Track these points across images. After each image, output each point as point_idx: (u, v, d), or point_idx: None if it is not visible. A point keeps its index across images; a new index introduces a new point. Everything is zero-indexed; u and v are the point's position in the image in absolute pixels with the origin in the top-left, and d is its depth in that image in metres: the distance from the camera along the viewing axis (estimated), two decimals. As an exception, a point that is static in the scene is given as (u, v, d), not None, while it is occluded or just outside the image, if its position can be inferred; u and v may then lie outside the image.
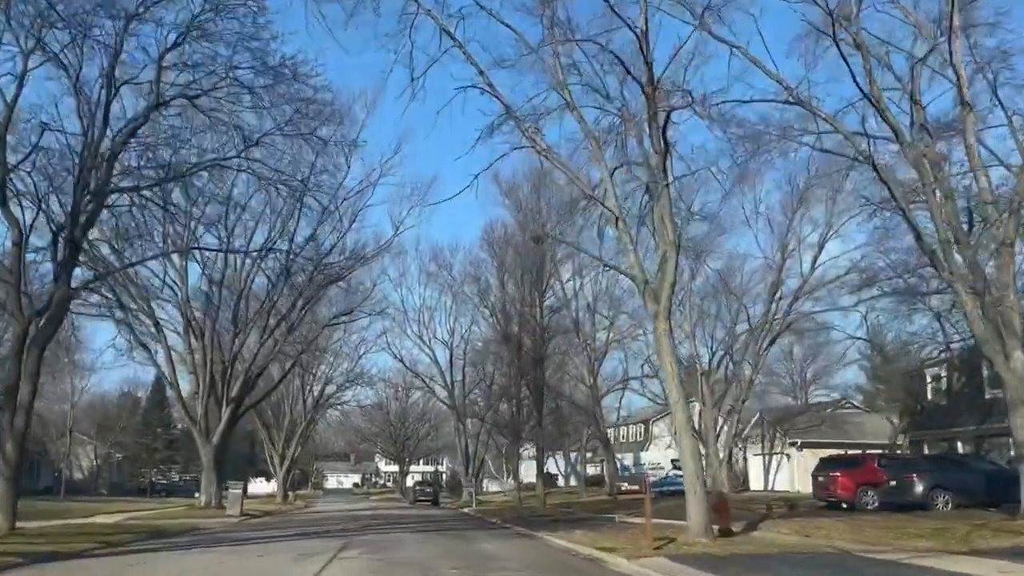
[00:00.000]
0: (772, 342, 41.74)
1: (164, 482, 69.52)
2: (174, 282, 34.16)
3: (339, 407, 67.52)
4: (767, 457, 48.28)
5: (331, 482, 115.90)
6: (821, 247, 41.19)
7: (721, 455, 42.69)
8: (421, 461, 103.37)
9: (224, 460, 35.67)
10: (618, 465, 51.50)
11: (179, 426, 79.78)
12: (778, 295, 41.08)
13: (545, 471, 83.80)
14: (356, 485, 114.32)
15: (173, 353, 35.49)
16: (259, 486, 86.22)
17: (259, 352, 35.30)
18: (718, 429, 57.83)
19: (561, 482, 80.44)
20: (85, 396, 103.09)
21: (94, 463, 71.37)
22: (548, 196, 32.48)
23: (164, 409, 71.55)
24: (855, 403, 55.32)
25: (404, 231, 36.52)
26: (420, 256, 54.83)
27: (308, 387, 56.95)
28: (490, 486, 74.67)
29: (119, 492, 69.40)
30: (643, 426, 68.30)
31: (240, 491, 32.43)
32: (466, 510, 41.53)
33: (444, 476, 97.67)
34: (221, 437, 34.28)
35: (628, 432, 71.30)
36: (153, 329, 33.09)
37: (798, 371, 64.95)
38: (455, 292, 51.51)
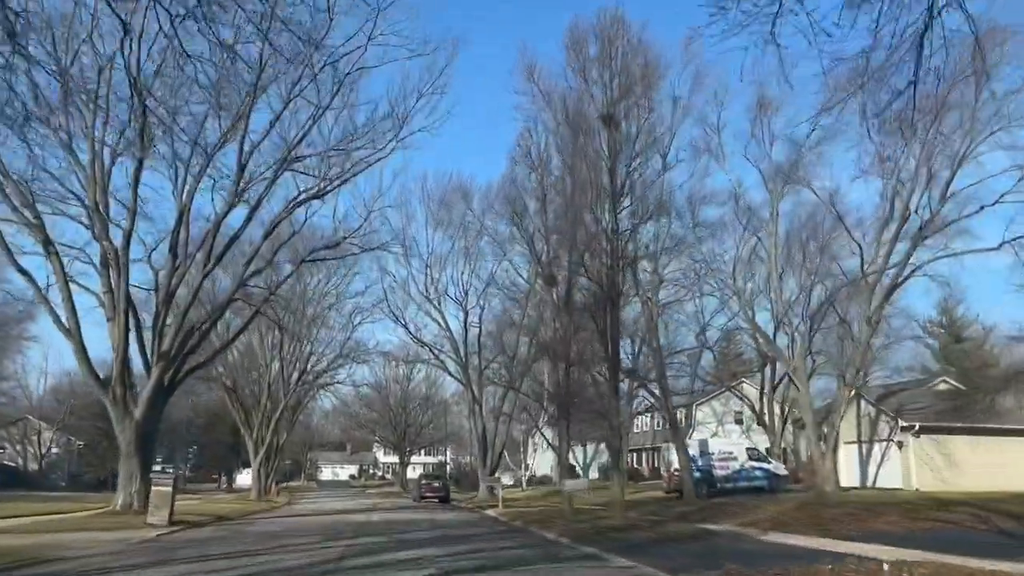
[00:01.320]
0: (891, 292, 30.30)
1: (130, 473, 57.63)
2: (83, 187, 22.62)
3: (330, 387, 55.94)
4: (864, 446, 37.00)
5: (326, 473, 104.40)
6: (955, 171, 30.01)
7: (824, 444, 31.41)
8: (423, 451, 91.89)
9: (153, 442, 24.22)
10: (665, 458, 40.17)
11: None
12: (904, 229, 29.85)
13: (566, 463, 72.60)
14: (352, 477, 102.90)
15: (87, 292, 24.05)
16: (247, 477, 74.65)
17: (200, 286, 23.87)
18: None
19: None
20: (46, 376, 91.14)
21: (45, 452, 59.83)
22: (623, 60, 21.15)
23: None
24: (951, 380, 43.88)
25: (410, 136, 24.75)
26: (427, 196, 43.64)
27: (290, 356, 45.37)
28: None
29: (78, 485, 58.11)
30: (684, 410, 56.92)
31: (169, 488, 21.08)
32: (491, 513, 30.14)
33: (448, 468, 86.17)
34: (147, 409, 22.86)
35: (662, 419, 59.92)
36: (41, 249, 21.61)
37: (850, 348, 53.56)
38: (471, 238, 40.35)
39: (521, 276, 32.68)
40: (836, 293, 32.94)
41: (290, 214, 26.00)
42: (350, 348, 49.79)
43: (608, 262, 20.65)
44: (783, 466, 37.33)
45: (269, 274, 31.03)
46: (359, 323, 48.98)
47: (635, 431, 58.22)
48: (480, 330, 43.72)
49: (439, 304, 42.70)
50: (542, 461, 72.54)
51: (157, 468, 68.86)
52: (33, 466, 62.36)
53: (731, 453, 35.77)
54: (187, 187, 24.35)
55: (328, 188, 25.97)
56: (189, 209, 24.33)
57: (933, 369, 59.18)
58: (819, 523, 19.73)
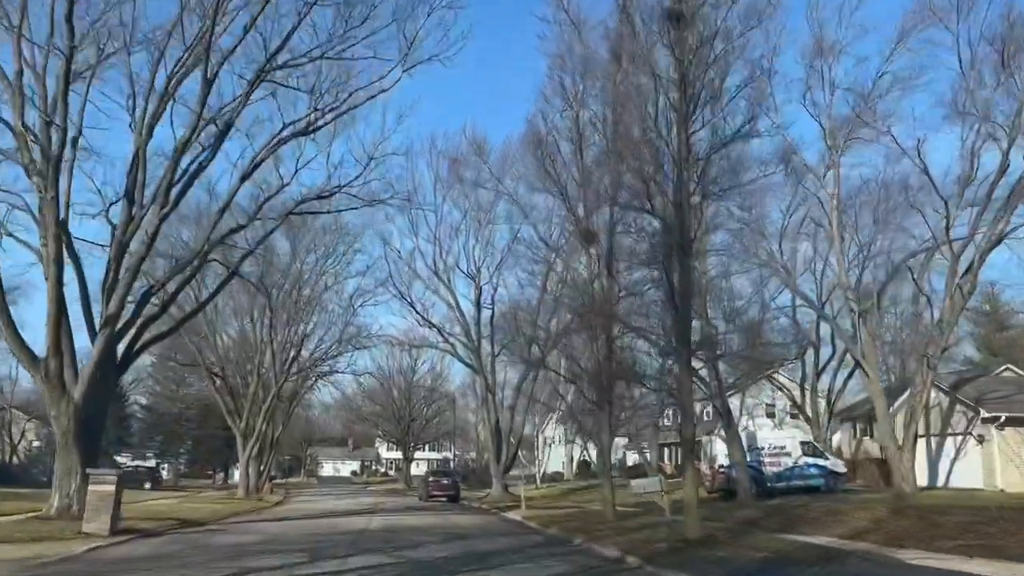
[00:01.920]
0: (987, 254, 25.15)
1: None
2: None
3: (330, 377, 51.00)
4: (934, 440, 31.97)
5: (327, 469, 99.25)
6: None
7: (901, 436, 26.40)
8: (427, 447, 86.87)
9: (98, 430, 19.15)
10: (706, 452, 35.24)
11: (133, 400, 63.33)
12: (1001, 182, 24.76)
13: (583, 458, 67.41)
14: (354, 473, 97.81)
15: (27, 249, 19.02)
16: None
17: (157, 234, 18.84)
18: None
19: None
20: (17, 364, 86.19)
21: (17, 443, 54.90)
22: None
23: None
24: (1016, 369, 38.77)
25: (418, 65, 19.75)
26: (436, 156, 39.29)
27: (282, 338, 40.34)
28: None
29: (58, 481, 53.30)
30: (709, 403, 51.78)
31: (112, 488, 16.19)
32: (514, 516, 25.17)
33: (452, 464, 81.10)
34: (89, 387, 17.84)
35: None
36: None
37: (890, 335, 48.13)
38: (485, 206, 35.50)
39: (543, 244, 27.58)
40: (908, 259, 27.89)
41: (273, 152, 20.99)
42: (351, 333, 44.99)
43: (678, 198, 15.61)
44: (841, 463, 32.27)
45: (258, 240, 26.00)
46: (360, 305, 44.24)
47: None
48: (493, 311, 38.88)
49: (449, 281, 37.84)
50: (554, 457, 67.65)
51: (151, 464, 64.44)
52: (16, 460, 57.43)
53: (783, 448, 30.74)
54: (147, 116, 19.35)
55: (319, 123, 20.99)
56: (147, 143, 19.34)
57: (976, 359, 54.17)
58: (949, 536, 14.76)
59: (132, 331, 19.95)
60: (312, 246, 41.35)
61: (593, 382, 21.10)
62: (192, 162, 19.85)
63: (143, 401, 64.81)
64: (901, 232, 30.53)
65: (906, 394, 33.98)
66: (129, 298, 19.98)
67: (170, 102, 19.50)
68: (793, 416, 49.35)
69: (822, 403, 41.99)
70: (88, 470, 16.70)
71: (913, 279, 27.12)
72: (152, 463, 65.75)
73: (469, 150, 34.16)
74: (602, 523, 19.59)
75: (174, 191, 19.02)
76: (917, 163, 25.33)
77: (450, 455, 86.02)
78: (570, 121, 22.53)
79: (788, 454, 30.60)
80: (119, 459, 59.01)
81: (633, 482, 14.80)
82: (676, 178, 16.04)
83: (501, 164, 32.76)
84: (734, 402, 49.68)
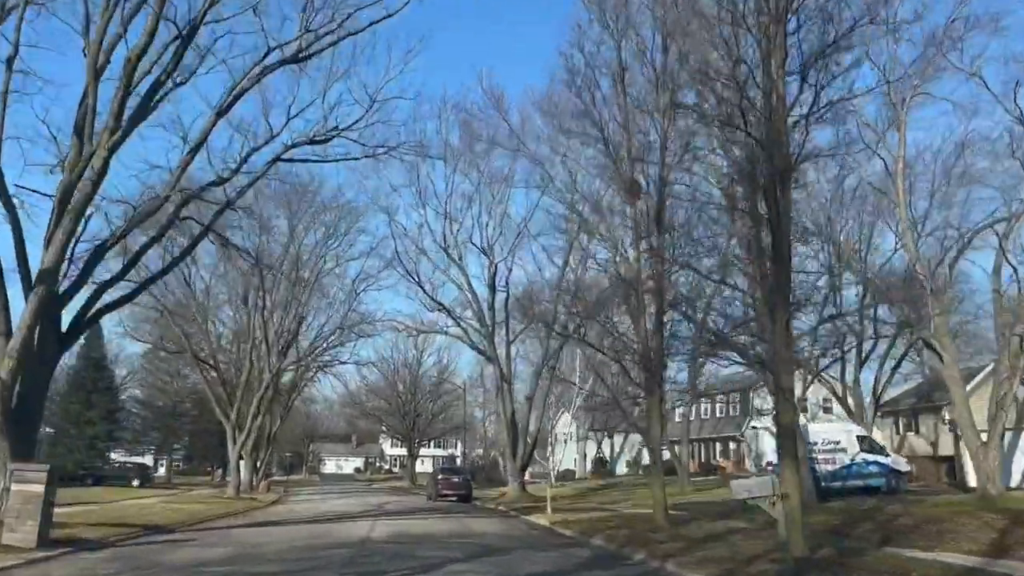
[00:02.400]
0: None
1: (104, 466, 48.37)
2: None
3: (332, 367, 47.24)
4: (1007, 434, 27.98)
5: (330, 466, 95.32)
6: None
7: (984, 434, 22.45)
8: (432, 443, 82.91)
9: (34, 416, 15.27)
10: (751, 448, 31.36)
11: (129, 394, 59.47)
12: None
13: (598, 455, 63.52)
14: (358, 470, 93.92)
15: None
16: (243, 470, 65.54)
17: (106, 167, 14.95)
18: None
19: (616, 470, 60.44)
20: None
21: None
22: None
23: (103, 369, 51.00)
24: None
25: None
26: (446, 112, 36.18)
27: (278, 322, 36.49)
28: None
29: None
30: (738, 395, 47.97)
31: (40, 485, 12.42)
32: (540, 521, 21.29)
33: (458, 461, 77.18)
34: (21, 362, 14.01)
35: (710, 406, 50.95)
36: None
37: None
38: (500, 168, 31.78)
39: (574, 191, 23.25)
40: (993, 224, 24.00)
41: (257, 81, 17.16)
42: (353, 320, 41.14)
43: (771, 112, 11.76)
44: (903, 460, 28.38)
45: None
46: (363, 290, 40.43)
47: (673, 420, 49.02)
48: (508, 293, 35.04)
49: (460, 258, 33.98)
50: (565, 454, 63.83)
51: (145, 460, 60.43)
52: None
53: (838, 443, 26.84)
54: (104, 35, 15.53)
55: (312, 49, 17.21)
56: (103, 67, 15.52)
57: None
58: None
59: (84, 296, 16.14)
60: (312, 224, 37.62)
61: (641, 362, 17.19)
62: (142, 47, 15.76)
63: (139, 395, 60.95)
64: (974, 198, 26.77)
65: (975, 381, 30.21)
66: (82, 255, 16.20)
67: (132, 15, 15.66)
68: (826, 410, 45.41)
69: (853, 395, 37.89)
70: (10, 465, 12.87)
71: (1000, 247, 23.17)
72: (149, 459, 62.01)
73: (486, 103, 30.30)
74: (656, 531, 15.73)
75: (127, 113, 15.18)
76: (1012, 110, 21.33)
77: (457, 451, 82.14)
78: (611, 52, 18.64)
79: (844, 450, 26.71)
80: (112, 456, 55.40)
81: (733, 483, 10.95)
82: (768, 90, 12.20)
83: (521, 122, 28.89)
84: (763, 393, 45.89)
